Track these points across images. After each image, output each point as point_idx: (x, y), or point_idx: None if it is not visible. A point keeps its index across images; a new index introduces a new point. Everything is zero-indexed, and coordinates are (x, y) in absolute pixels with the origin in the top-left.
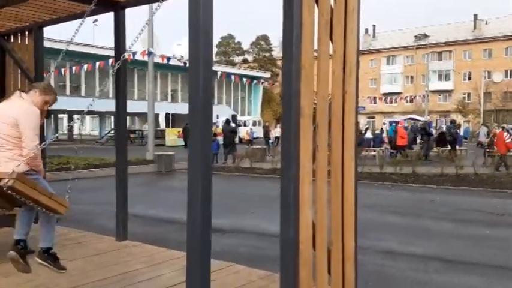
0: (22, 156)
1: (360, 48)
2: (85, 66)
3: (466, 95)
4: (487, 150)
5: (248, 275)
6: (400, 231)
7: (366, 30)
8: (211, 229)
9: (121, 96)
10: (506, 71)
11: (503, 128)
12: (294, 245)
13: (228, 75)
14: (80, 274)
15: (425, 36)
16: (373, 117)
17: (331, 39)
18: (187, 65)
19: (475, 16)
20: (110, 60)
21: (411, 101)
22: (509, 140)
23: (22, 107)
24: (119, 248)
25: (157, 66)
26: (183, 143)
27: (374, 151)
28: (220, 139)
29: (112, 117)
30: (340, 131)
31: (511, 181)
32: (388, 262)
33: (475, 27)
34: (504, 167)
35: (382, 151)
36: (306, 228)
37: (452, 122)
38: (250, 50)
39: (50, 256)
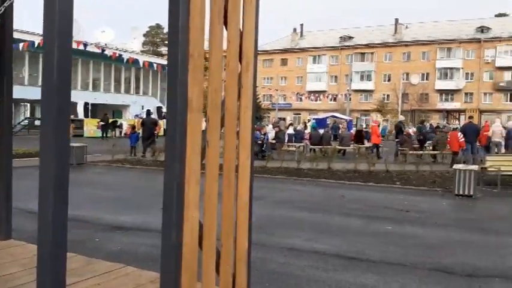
0: None
1: (288, 47)
2: None
3: (385, 96)
4: (400, 148)
5: (138, 277)
6: (307, 228)
7: (294, 29)
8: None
9: (6, 81)
10: (422, 74)
11: (455, 129)
12: (176, 249)
13: (151, 64)
14: None
15: (350, 37)
16: (299, 114)
17: (226, 28)
18: (105, 51)
19: (396, 20)
20: (21, 44)
21: (334, 100)
22: (462, 139)
23: None
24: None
25: (78, 53)
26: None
27: (294, 147)
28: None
29: (28, 105)
30: (235, 127)
31: (419, 178)
32: (290, 260)
33: (395, 31)
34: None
35: (303, 147)
36: (191, 230)
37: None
38: None
39: None
